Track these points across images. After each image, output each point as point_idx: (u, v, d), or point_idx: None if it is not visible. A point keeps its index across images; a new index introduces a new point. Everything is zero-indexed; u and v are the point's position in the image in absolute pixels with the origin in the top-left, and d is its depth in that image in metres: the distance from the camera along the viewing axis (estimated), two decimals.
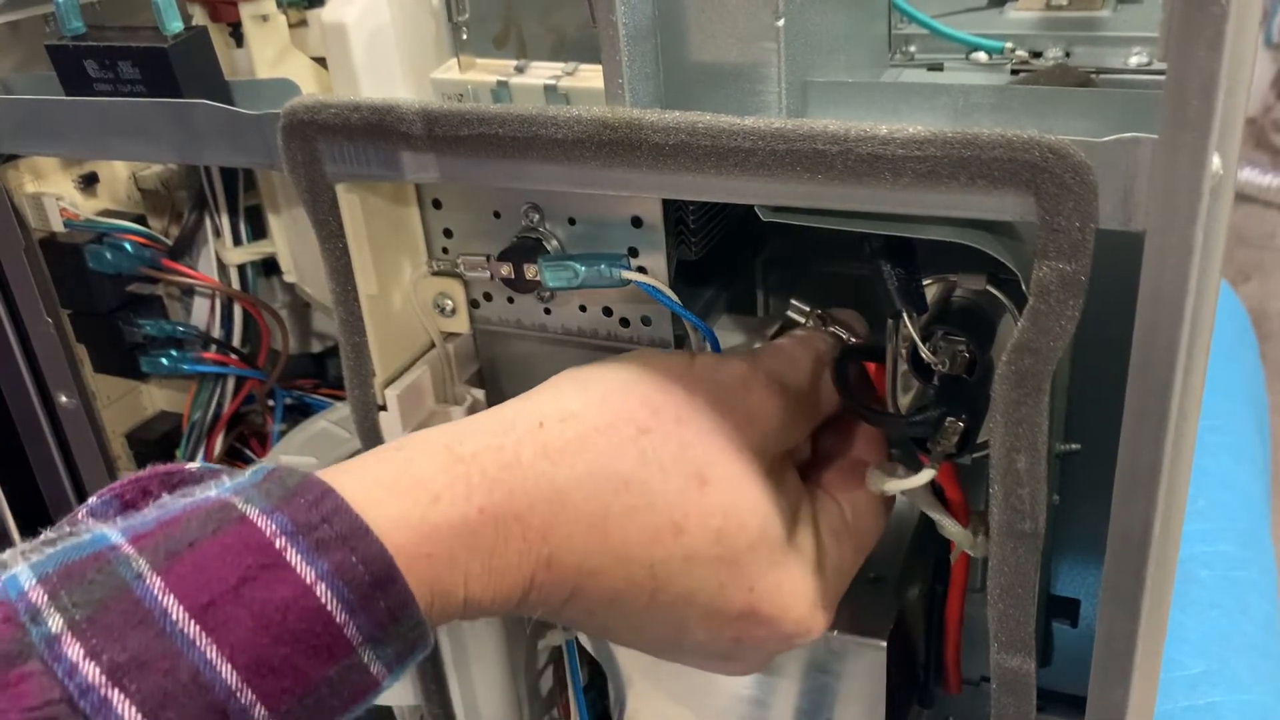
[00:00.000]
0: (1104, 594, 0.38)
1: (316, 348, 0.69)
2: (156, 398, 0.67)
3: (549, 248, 0.47)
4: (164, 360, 0.61)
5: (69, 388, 0.59)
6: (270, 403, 0.65)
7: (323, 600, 0.29)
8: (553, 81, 0.43)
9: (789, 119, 0.35)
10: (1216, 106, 0.30)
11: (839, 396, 0.45)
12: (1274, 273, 1.82)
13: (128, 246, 0.58)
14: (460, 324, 0.51)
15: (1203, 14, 0.29)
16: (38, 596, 0.27)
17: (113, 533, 0.29)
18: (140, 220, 0.60)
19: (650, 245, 0.46)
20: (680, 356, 0.42)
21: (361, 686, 0.30)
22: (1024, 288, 0.35)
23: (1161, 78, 0.30)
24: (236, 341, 0.61)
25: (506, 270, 0.47)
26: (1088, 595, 0.60)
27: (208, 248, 0.59)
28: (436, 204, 0.49)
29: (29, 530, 0.65)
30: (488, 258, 0.48)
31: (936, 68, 0.52)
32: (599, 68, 0.39)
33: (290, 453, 0.63)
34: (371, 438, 0.49)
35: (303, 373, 0.67)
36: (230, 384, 0.63)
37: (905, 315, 0.42)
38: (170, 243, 0.59)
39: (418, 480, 0.33)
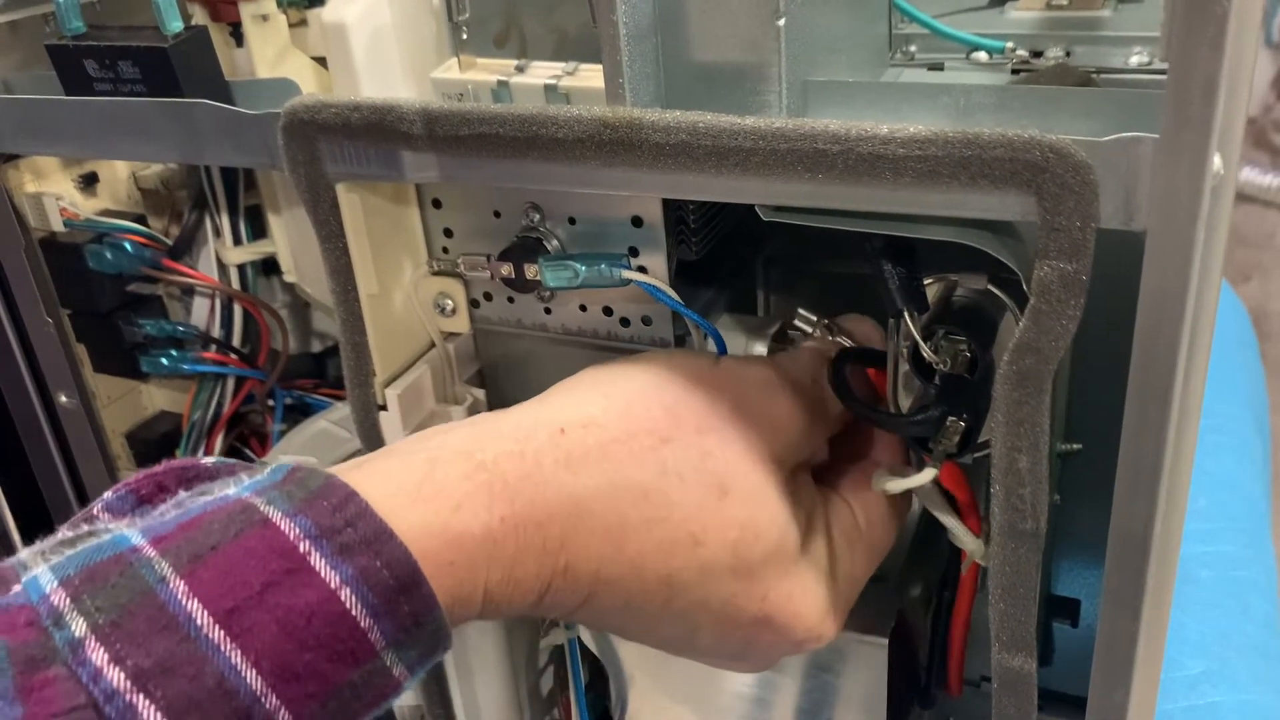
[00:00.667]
0: (1104, 594, 0.38)
1: (316, 348, 0.69)
2: (156, 398, 0.67)
3: (549, 247, 0.47)
4: (164, 360, 0.61)
5: (69, 388, 0.59)
6: (270, 403, 0.65)
7: (347, 605, 0.28)
8: (553, 81, 0.43)
9: (789, 118, 0.35)
10: (1218, 106, 0.30)
11: (837, 399, 0.45)
12: (1274, 273, 1.82)
13: (128, 246, 0.58)
14: (460, 324, 0.51)
15: (1204, 14, 0.29)
16: (60, 600, 0.26)
17: (133, 534, 0.29)
18: (140, 220, 0.60)
19: (650, 245, 0.46)
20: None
21: (384, 688, 0.30)
22: (1025, 287, 0.35)
23: (1162, 77, 0.30)
24: (236, 341, 0.61)
25: (507, 270, 0.47)
26: (1088, 595, 0.60)
27: (208, 248, 0.59)
28: (437, 204, 0.49)
29: (29, 530, 0.66)
30: (488, 257, 0.48)
31: (937, 67, 0.52)
32: (599, 67, 0.39)
33: (290, 453, 0.63)
34: (371, 437, 0.49)
35: (303, 373, 0.67)
36: (230, 384, 0.63)
37: (906, 315, 0.42)
38: (170, 242, 0.59)
39: (440, 487, 0.33)
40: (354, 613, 0.28)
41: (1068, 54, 0.51)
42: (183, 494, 0.31)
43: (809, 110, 0.41)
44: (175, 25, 0.47)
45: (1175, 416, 0.34)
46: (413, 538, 0.31)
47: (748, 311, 0.59)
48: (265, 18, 0.49)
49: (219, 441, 0.63)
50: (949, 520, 0.44)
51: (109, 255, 0.58)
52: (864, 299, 0.50)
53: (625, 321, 0.49)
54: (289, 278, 0.59)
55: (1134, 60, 0.49)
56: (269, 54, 0.49)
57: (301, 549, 0.28)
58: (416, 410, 0.50)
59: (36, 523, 0.63)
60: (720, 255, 0.49)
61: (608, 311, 0.49)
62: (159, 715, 0.25)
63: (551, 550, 0.34)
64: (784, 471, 0.40)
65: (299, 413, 0.67)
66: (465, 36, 0.45)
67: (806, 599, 0.40)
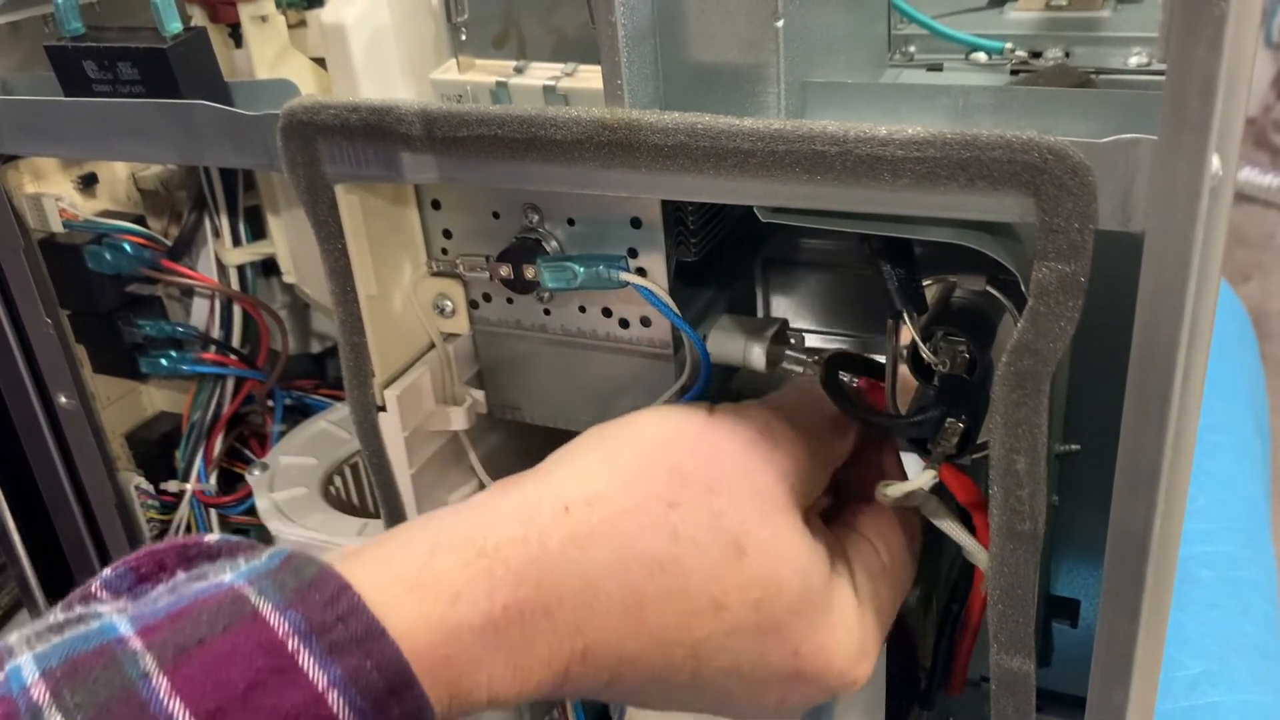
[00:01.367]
0: (1104, 594, 0.38)
1: (316, 348, 0.69)
2: (156, 398, 0.67)
3: (548, 248, 0.47)
4: (163, 361, 0.61)
5: (69, 388, 0.59)
6: (270, 403, 0.65)
7: (334, 709, 0.28)
8: (552, 82, 0.43)
9: (788, 120, 0.35)
10: (1216, 107, 0.30)
11: (834, 404, 0.44)
12: (1274, 273, 1.82)
13: (127, 247, 0.58)
14: (460, 325, 0.51)
15: (1202, 14, 0.29)
16: (40, 694, 0.26)
17: (122, 621, 0.28)
18: (140, 221, 0.60)
19: (649, 246, 0.46)
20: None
21: None
22: (1023, 288, 0.35)
23: (1161, 78, 0.30)
24: (236, 342, 0.61)
25: (506, 271, 0.47)
26: (1088, 595, 0.60)
27: (207, 248, 0.59)
28: (436, 205, 0.49)
29: (29, 530, 0.66)
30: (487, 258, 0.48)
31: (936, 68, 0.52)
32: (598, 68, 0.39)
33: (290, 453, 0.63)
34: (371, 438, 0.49)
35: (302, 373, 0.67)
36: (230, 384, 0.63)
37: (905, 315, 0.42)
38: (170, 243, 0.59)
39: (438, 576, 0.32)
40: (341, 717, 0.28)
41: (1067, 55, 0.51)
42: (180, 575, 0.31)
43: (808, 111, 0.41)
44: (174, 26, 0.47)
45: (1174, 417, 0.34)
46: (407, 632, 0.30)
47: (748, 312, 0.59)
48: (264, 19, 0.49)
49: (219, 442, 0.63)
50: (954, 531, 0.44)
51: (108, 256, 0.58)
52: (865, 298, 0.50)
53: (624, 323, 0.49)
54: (288, 278, 0.59)
55: (1133, 61, 0.49)
56: (268, 55, 0.49)
57: (290, 646, 0.28)
58: (416, 411, 0.50)
59: (37, 523, 0.63)
60: (719, 256, 0.49)
61: (607, 313, 0.49)
62: None
63: (565, 634, 0.33)
64: (798, 517, 0.39)
65: (299, 413, 0.67)
66: (464, 37, 0.45)
67: (839, 647, 0.39)
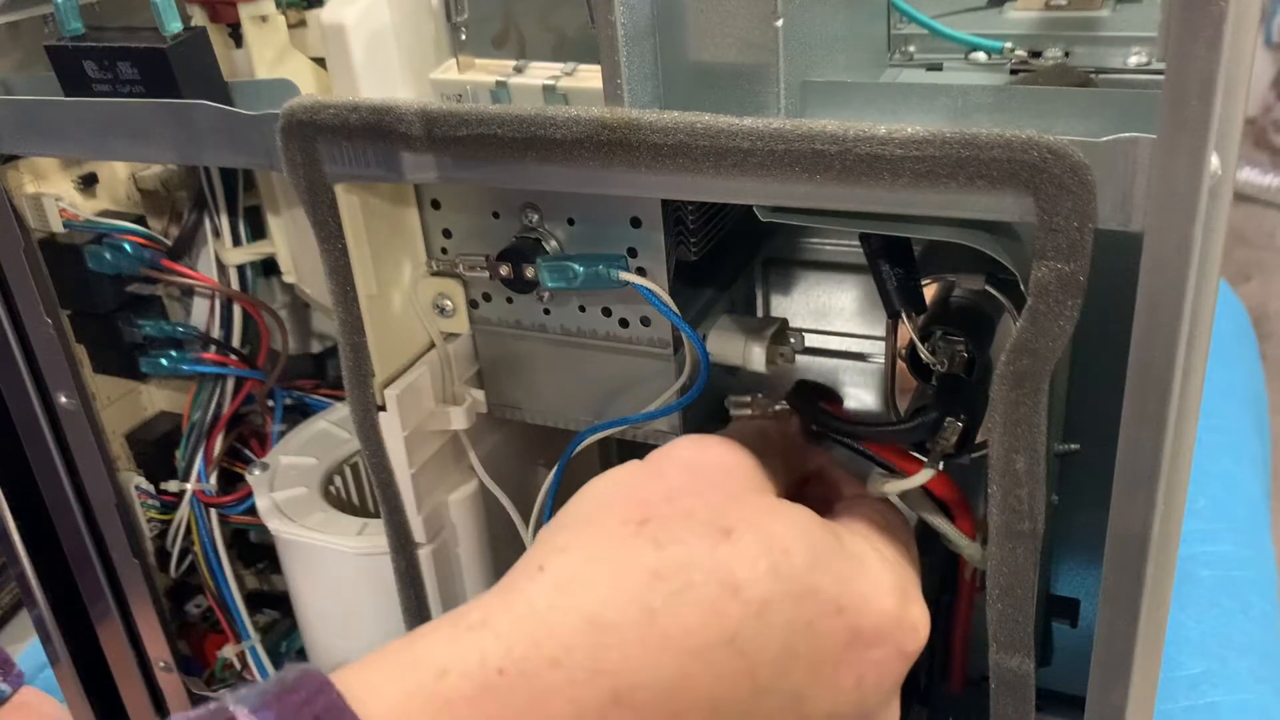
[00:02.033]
0: (1104, 594, 0.38)
1: (316, 348, 0.69)
2: (156, 398, 0.67)
3: (548, 248, 0.47)
4: (164, 361, 0.61)
5: (69, 388, 0.59)
6: (270, 403, 0.65)
7: None
8: (551, 82, 0.43)
9: (787, 119, 0.35)
10: (1215, 106, 0.30)
11: (820, 430, 0.45)
12: (1274, 273, 1.82)
13: (127, 247, 0.58)
14: (459, 324, 0.51)
15: (1201, 14, 0.29)
16: None
17: None
18: (140, 221, 0.60)
19: (649, 246, 0.46)
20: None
21: None
22: (1023, 288, 0.35)
23: (1161, 78, 0.30)
24: (236, 342, 0.61)
25: (505, 270, 0.47)
26: (1088, 595, 0.60)
27: (207, 248, 0.59)
28: (435, 204, 0.49)
29: (29, 530, 0.65)
30: (486, 258, 0.48)
31: (935, 68, 0.52)
32: (598, 68, 0.39)
33: (290, 453, 0.63)
34: (371, 438, 0.49)
35: (302, 373, 0.67)
36: (230, 384, 0.63)
37: (904, 315, 0.42)
38: (170, 243, 0.59)
39: (421, 657, 0.31)
40: None
41: (1066, 54, 0.51)
42: None
43: (807, 111, 0.41)
44: (174, 26, 0.47)
45: (1174, 416, 0.34)
46: (388, 713, 0.29)
47: (747, 312, 0.59)
48: (264, 19, 0.49)
49: (219, 442, 0.63)
50: (943, 526, 0.44)
51: (108, 256, 0.58)
52: (864, 299, 0.50)
53: (624, 323, 0.49)
54: (288, 278, 0.59)
55: (1133, 60, 0.49)
56: (268, 55, 0.49)
57: None
58: (415, 411, 0.50)
59: (37, 523, 0.63)
60: (719, 256, 0.49)
61: (607, 312, 0.49)
62: None
63: (583, 680, 0.31)
64: (772, 494, 0.39)
65: (299, 413, 0.67)
66: (464, 37, 0.45)
67: (880, 589, 0.37)
